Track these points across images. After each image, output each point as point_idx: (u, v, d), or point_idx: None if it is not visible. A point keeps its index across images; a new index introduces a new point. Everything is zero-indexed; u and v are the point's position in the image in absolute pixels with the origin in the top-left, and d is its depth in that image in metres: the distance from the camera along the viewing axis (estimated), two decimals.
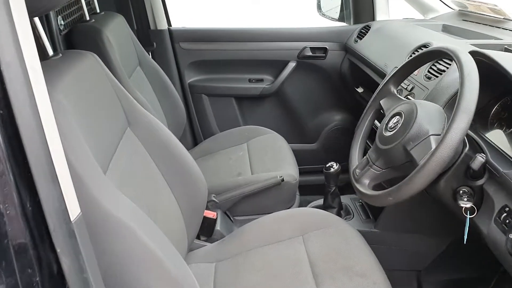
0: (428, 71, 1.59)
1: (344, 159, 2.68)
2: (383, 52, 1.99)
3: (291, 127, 2.58)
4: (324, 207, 1.78)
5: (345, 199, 1.89)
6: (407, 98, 1.40)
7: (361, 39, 2.25)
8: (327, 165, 1.72)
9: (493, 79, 1.32)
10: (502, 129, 1.30)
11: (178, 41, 2.36)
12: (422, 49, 1.72)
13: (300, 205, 2.06)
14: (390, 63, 1.85)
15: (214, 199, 1.75)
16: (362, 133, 1.40)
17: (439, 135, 1.11)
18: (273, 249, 1.37)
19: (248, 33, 2.36)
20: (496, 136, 1.28)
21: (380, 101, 1.37)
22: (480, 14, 2.16)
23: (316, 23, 2.48)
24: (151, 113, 1.35)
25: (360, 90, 2.32)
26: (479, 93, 1.34)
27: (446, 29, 2.17)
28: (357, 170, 1.29)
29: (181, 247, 1.30)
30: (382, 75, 1.91)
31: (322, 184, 2.70)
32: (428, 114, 1.16)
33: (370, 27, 2.25)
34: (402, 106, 1.23)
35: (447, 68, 1.50)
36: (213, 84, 2.44)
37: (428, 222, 1.61)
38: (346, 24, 2.48)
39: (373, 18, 2.39)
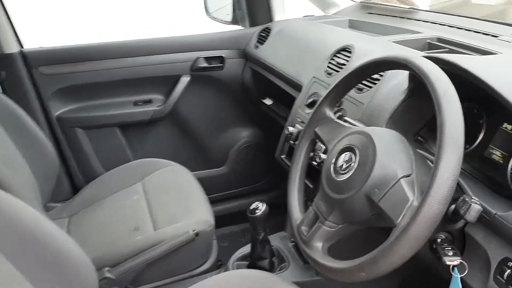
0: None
1: (259, 178, 2.47)
2: (293, 58, 1.69)
3: (193, 152, 2.20)
4: (253, 259, 1.43)
5: (274, 240, 1.55)
6: (346, 122, 1.09)
7: (262, 43, 1.94)
8: (251, 207, 1.36)
9: None
10: None
11: (37, 65, 1.84)
12: (342, 53, 1.44)
13: (219, 252, 1.69)
14: (306, 72, 1.55)
15: (109, 274, 1.31)
16: (298, 173, 1.07)
17: (409, 175, 0.82)
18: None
19: (125, 47, 1.92)
20: None
21: (316, 129, 1.05)
22: (384, 5, 1.96)
23: (210, 29, 2.11)
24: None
25: (268, 102, 2.01)
26: (426, 103, 1.09)
27: (353, 25, 1.94)
28: (304, 228, 0.96)
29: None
30: (296, 86, 1.60)
31: (237, 212, 2.38)
32: (388, 146, 0.86)
33: (270, 30, 1.94)
34: (351, 137, 0.92)
35: (381, 76, 1.23)
36: (89, 114, 1.96)
37: None
38: (242, 28, 2.15)
39: (270, 19, 2.09)
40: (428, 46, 1.53)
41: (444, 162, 0.71)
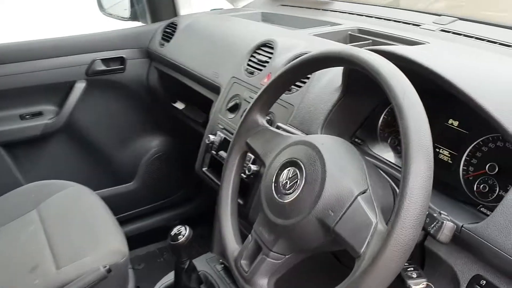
0: None
1: (174, 191, 2.26)
2: (207, 57, 1.51)
3: (96, 169, 1.93)
4: None
5: (200, 264, 1.37)
6: (280, 129, 0.94)
7: (168, 41, 1.73)
8: (172, 233, 1.16)
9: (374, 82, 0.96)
10: (394, 144, 0.97)
11: None
12: (263, 50, 1.29)
13: (136, 279, 1.47)
14: (223, 71, 1.38)
15: None
16: (230, 195, 0.90)
17: (366, 191, 0.69)
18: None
19: (6, 51, 1.61)
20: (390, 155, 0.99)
21: (247, 141, 0.89)
22: None
23: (107, 27, 1.85)
24: None
25: (179, 106, 1.81)
26: (362, 100, 0.98)
27: (267, 18, 1.81)
28: (244, 262, 0.80)
29: None
30: (212, 88, 1.43)
31: (152, 230, 2.15)
32: (338, 158, 0.73)
33: (176, 25, 1.74)
34: (293, 149, 0.77)
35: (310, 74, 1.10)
36: None
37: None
38: (143, 24, 1.92)
39: (175, 14, 1.89)
40: (350, 38, 1.44)
41: (414, 175, 0.59)
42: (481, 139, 0.85)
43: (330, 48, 0.75)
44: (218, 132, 1.28)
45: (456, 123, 0.90)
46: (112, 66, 1.78)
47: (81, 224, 1.37)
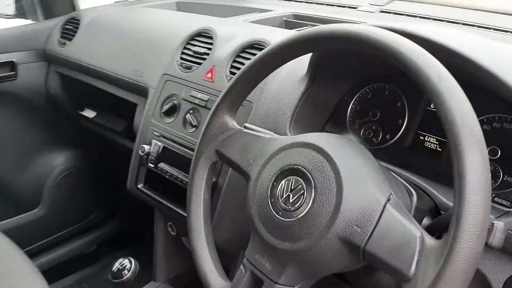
0: (231, 70, 1.01)
1: (89, 211, 1.89)
2: (122, 54, 1.29)
3: None
4: None
5: None
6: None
7: (70, 39, 1.46)
8: (113, 269, 0.95)
9: (346, 67, 0.86)
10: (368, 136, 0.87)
11: None
12: (198, 40, 1.12)
13: None
14: (148, 69, 1.19)
15: None
16: (202, 216, 0.72)
17: (390, 197, 0.57)
18: None
19: None
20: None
21: (219, 149, 0.72)
22: None
23: None
24: None
25: (89, 114, 1.55)
26: (330, 90, 0.86)
27: (182, 7, 1.62)
28: None
29: None
30: (136, 89, 1.23)
31: (68, 260, 1.85)
32: (350, 158, 0.60)
33: (78, 21, 1.48)
34: (289, 154, 0.62)
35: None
36: None
37: None
38: (34, 21, 1.62)
39: (73, 8, 1.62)
40: (286, 24, 1.32)
41: (472, 171, 0.47)
42: None
43: (338, 26, 0.61)
44: (154, 141, 1.08)
45: None
46: (1, 73, 1.47)
47: None
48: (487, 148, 0.76)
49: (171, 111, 1.06)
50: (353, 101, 0.92)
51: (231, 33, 1.08)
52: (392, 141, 0.86)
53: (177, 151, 1.03)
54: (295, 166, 0.60)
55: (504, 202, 0.69)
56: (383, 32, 0.55)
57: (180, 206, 1.06)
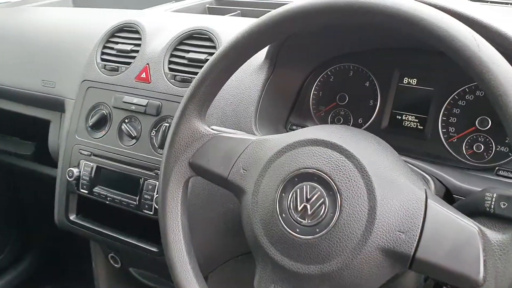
0: (169, 67, 0.87)
1: None
2: (22, 63, 1.07)
3: None
4: None
5: None
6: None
7: None
8: None
9: (307, 48, 0.77)
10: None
11: None
12: (120, 36, 0.96)
13: None
14: (62, 77, 1.01)
15: None
16: (184, 247, 0.57)
17: (425, 190, 0.48)
18: None
19: None
20: None
21: (192, 161, 0.58)
22: None
23: None
24: None
25: None
26: (290, 76, 0.77)
27: (80, 3, 1.41)
28: None
29: None
30: (47, 103, 1.02)
31: None
32: (373, 152, 0.51)
33: None
34: (295, 156, 0.51)
35: (213, 53, 0.83)
36: None
37: None
38: None
39: None
40: (209, 10, 1.19)
41: None
42: (456, 92, 0.72)
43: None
44: (84, 162, 0.89)
45: (414, 81, 0.76)
46: None
47: None
48: (475, 119, 0.72)
49: (100, 123, 0.89)
50: (314, 86, 0.83)
51: (160, 25, 0.93)
52: (367, 124, 0.78)
53: (117, 170, 0.86)
54: (307, 170, 0.49)
55: (510, 175, 0.65)
56: (413, 3, 0.46)
57: (126, 234, 0.89)
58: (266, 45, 0.58)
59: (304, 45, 0.77)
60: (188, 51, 0.85)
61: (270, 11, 0.99)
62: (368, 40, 0.77)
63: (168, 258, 0.57)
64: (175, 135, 0.58)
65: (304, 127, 0.81)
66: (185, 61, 0.85)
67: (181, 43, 0.87)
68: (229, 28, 0.86)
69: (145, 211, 0.82)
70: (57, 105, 0.99)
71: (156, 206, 0.80)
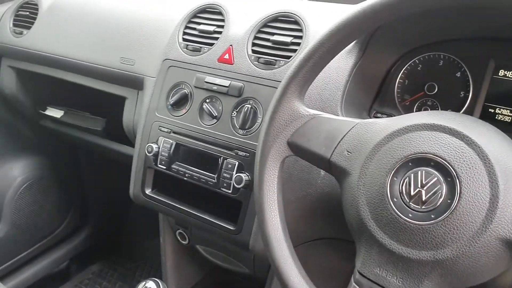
0: (253, 49, 0.87)
1: (56, 225, 1.65)
2: (102, 41, 1.10)
3: None
4: None
5: None
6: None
7: (28, 28, 1.24)
8: None
9: (400, 34, 0.76)
10: None
11: None
12: (202, 16, 0.96)
13: None
14: (143, 55, 1.03)
15: None
16: (280, 226, 0.58)
17: None
18: None
19: None
20: None
21: (291, 140, 0.58)
22: None
23: None
24: None
25: (55, 113, 1.34)
26: (379, 61, 0.76)
27: None
28: None
29: None
30: (126, 81, 1.05)
31: (39, 281, 1.61)
32: (494, 142, 0.50)
33: (37, 5, 1.25)
34: (408, 140, 0.50)
35: (299, 36, 0.84)
36: None
37: None
38: None
39: None
40: None
41: None
42: None
43: None
44: (163, 139, 0.91)
45: (510, 74, 0.73)
46: None
47: None
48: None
49: (181, 102, 0.91)
50: (400, 74, 0.81)
51: (243, 7, 0.93)
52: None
53: (196, 148, 0.88)
54: (424, 155, 0.48)
55: None
56: None
57: (201, 210, 0.91)
58: (372, 29, 0.57)
59: (395, 31, 0.76)
60: (273, 34, 0.85)
61: None
62: (462, 29, 0.75)
63: (264, 234, 0.58)
64: (274, 113, 0.59)
65: (389, 115, 0.80)
66: (269, 44, 0.85)
67: (265, 25, 0.87)
68: (316, 12, 0.85)
69: (223, 189, 0.84)
70: (135, 83, 1.01)
71: (235, 184, 0.80)
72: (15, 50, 1.25)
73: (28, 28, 1.23)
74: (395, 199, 0.49)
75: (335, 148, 0.55)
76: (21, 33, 1.24)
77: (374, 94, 0.82)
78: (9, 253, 1.50)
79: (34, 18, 1.23)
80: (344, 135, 0.55)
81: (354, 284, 0.52)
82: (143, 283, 0.81)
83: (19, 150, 1.47)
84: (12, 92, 1.33)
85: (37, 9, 1.24)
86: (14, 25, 1.27)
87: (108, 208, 1.75)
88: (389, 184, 0.49)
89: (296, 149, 0.59)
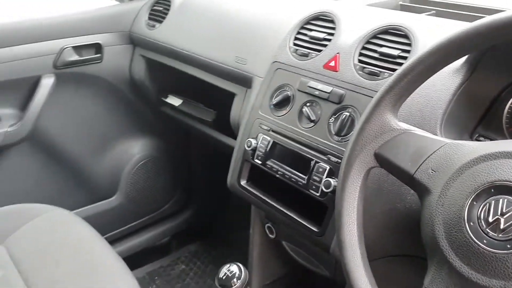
0: (359, 59, 0.89)
1: (162, 202, 1.75)
2: (221, 38, 1.19)
3: (70, 184, 1.55)
4: None
5: None
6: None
7: (160, 22, 1.38)
8: (221, 275, 0.86)
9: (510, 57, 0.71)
10: None
11: None
12: (315, 24, 1.00)
13: None
14: (255, 55, 1.09)
15: None
16: (356, 232, 0.60)
17: None
18: None
19: None
20: None
21: (378, 152, 0.60)
22: None
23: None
24: None
25: (174, 101, 1.47)
26: (488, 83, 0.72)
27: None
28: None
29: None
30: (237, 78, 1.12)
31: (141, 251, 1.80)
32: None
33: (170, 2, 1.39)
34: (496, 166, 0.49)
35: (407, 50, 0.83)
36: None
37: None
38: (120, 2, 1.55)
39: None
40: (401, 7, 1.18)
41: None
42: None
43: None
44: (262, 136, 0.97)
45: None
46: (86, 55, 1.41)
47: (73, 265, 1.03)
48: None
49: (283, 103, 0.95)
50: (511, 100, 0.77)
51: (354, 17, 0.95)
52: None
53: (291, 148, 0.92)
54: (509, 184, 0.47)
55: None
56: None
57: (288, 208, 0.95)
58: (480, 49, 0.56)
59: (508, 53, 0.73)
60: (381, 46, 0.86)
61: (468, 13, 0.94)
62: None
63: (339, 239, 0.60)
64: (365, 124, 0.61)
65: (493, 140, 0.77)
66: (376, 55, 0.86)
67: (374, 36, 0.88)
68: (426, 27, 0.84)
69: (311, 191, 0.87)
70: (245, 81, 1.09)
71: (323, 188, 0.83)
72: (147, 41, 1.40)
73: (160, 22, 1.38)
74: (471, 223, 0.48)
75: (421, 165, 0.56)
76: (153, 26, 1.39)
77: (479, 117, 0.78)
78: (121, 220, 1.69)
79: (166, 14, 1.38)
80: (432, 154, 0.55)
81: None
82: (228, 265, 0.88)
83: (140, 131, 1.64)
84: (141, 78, 1.49)
85: (169, 6, 1.38)
86: (149, 18, 1.42)
87: (210, 194, 1.87)
88: (468, 208, 0.49)
89: (382, 161, 0.60)
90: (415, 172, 0.56)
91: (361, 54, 0.88)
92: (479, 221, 0.48)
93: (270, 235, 1.12)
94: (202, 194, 1.87)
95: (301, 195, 0.90)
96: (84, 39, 1.40)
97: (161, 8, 1.40)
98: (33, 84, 1.34)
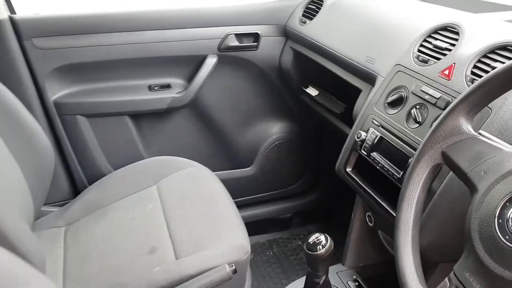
0: (472, 71, 0.93)
1: (291, 181, 1.96)
2: (358, 38, 1.31)
3: (216, 149, 1.83)
4: None
5: (334, 280, 1.19)
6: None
7: (311, 18, 1.55)
8: (309, 241, 1.00)
9: None
10: None
11: (30, 36, 1.45)
12: (442, 34, 1.06)
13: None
14: (381, 57, 1.18)
15: None
16: (413, 216, 0.70)
17: None
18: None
19: (140, 18, 1.53)
20: None
21: (445, 151, 0.68)
22: None
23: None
24: None
25: (312, 92, 1.63)
26: None
27: None
28: None
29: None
30: (364, 75, 1.23)
31: (264, 220, 2.02)
32: None
33: (322, 2, 1.55)
34: None
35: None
36: (93, 99, 1.58)
37: None
38: None
39: None
40: None
41: None
42: None
43: None
44: (372, 129, 1.07)
45: None
46: (245, 42, 1.65)
47: (202, 210, 1.27)
48: None
49: (397, 103, 1.04)
50: None
51: (481, 31, 0.99)
52: None
53: (394, 144, 1.01)
54: None
55: None
56: None
57: (384, 199, 1.04)
58: None
59: None
60: (496, 61, 0.89)
61: None
62: None
63: (396, 220, 0.70)
64: (439, 125, 0.69)
65: None
66: (489, 69, 0.89)
67: (492, 51, 0.91)
68: None
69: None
70: (371, 79, 1.19)
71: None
72: (297, 35, 1.58)
73: (311, 19, 1.54)
74: (500, 221, 0.54)
75: (476, 166, 0.62)
76: (304, 22, 1.56)
77: None
78: (251, 189, 1.92)
79: (317, 12, 1.53)
80: (488, 158, 0.62)
81: (446, 279, 0.60)
82: (317, 234, 1.01)
83: (280, 114, 1.84)
84: (287, 68, 1.68)
85: (321, 5, 1.53)
86: (303, 15, 1.60)
87: (334, 181, 2.00)
88: (501, 207, 0.55)
89: (446, 159, 0.67)
90: (470, 172, 0.63)
91: (475, 67, 0.92)
92: (507, 220, 0.54)
93: (369, 223, 1.22)
94: (327, 180, 2.01)
95: (396, 189, 0.99)
96: (246, 28, 1.63)
97: (314, 7, 1.57)
98: (200, 62, 1.62)
